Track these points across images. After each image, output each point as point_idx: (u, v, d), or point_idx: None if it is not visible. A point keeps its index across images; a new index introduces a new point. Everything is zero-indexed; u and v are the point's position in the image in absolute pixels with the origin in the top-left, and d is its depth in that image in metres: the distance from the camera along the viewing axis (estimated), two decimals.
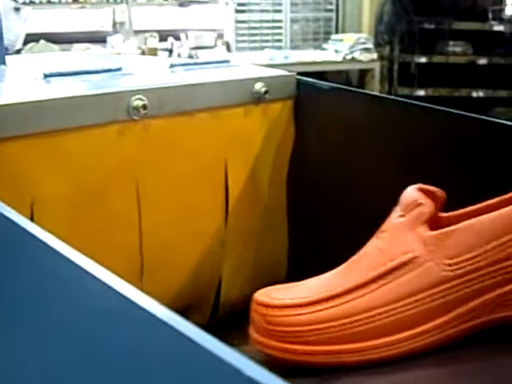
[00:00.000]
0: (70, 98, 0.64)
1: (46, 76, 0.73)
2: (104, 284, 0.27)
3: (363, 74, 4.61)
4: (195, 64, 0.84)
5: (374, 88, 4.38)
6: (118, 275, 0.29)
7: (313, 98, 0.81)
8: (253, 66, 0.88)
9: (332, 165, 0.80)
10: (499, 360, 0.48)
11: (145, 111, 0.67)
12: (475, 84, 4.48)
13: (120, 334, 0.27)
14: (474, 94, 4.48)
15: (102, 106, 0.65)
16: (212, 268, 0.78)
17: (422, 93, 4.44)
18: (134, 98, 0.67)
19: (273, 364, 0.52)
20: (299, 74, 0.83)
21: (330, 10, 4.71)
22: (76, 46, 4.04)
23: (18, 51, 3.69)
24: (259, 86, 0.77)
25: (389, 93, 4.42)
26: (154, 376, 0.25)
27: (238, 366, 0.21)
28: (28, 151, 0.61)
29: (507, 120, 0.63)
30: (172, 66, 0.82)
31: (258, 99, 0.77)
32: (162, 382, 0.25)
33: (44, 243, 0.33)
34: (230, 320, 0.74)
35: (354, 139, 0.77)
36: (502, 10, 4.67)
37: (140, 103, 0.67)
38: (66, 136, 0.63)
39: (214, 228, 0.77)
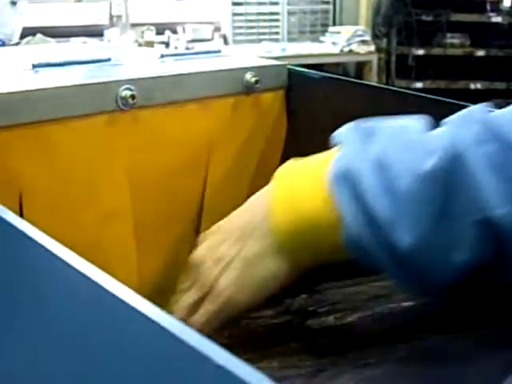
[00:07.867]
0: (57, 88, 0.63)
1: (34, 66, 0.72)
2: (86, 277, 0.27)
3: (361, 66, 4.61)
4: (185, 54, 0.83)
5: (372, 80, 4.37)
6: (108, 266, 0.29)
7: (304, 88, 0.80)
8: (243, 55, 0.87)
9: None
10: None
11: (133, 101, 0.67)
12: (473, 76, 4.48)
13: (98, 322, 0.27)
14: (472, 86, 4.48)
15: (90, 96, 0.65)
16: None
17: (419, 85, 4.43)
18: (122, 88, 0.66)
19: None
20: (296, 66, 0.82)
21: (327, 2, 4.70)
22: (73, 39, 4.03)
23: (15, 45, 3.67)
24: (249, 76, 0.76)
25: (386, 85, 4.41)
26: (127, 361, 0.25)
27: (207, 353, 0.20)
28: (16, 142, 0.60)
29: None
30: (162, 56, 0.81)
31: (249, 89, 0.77)
32: (135, 367, 0.24)
33: (28, 237, 0.32)
34: None
35: None
36: (499, 2, 4.65)
37: (128, 93, 0.66)
38: (53, 126, 0.63)
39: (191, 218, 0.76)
